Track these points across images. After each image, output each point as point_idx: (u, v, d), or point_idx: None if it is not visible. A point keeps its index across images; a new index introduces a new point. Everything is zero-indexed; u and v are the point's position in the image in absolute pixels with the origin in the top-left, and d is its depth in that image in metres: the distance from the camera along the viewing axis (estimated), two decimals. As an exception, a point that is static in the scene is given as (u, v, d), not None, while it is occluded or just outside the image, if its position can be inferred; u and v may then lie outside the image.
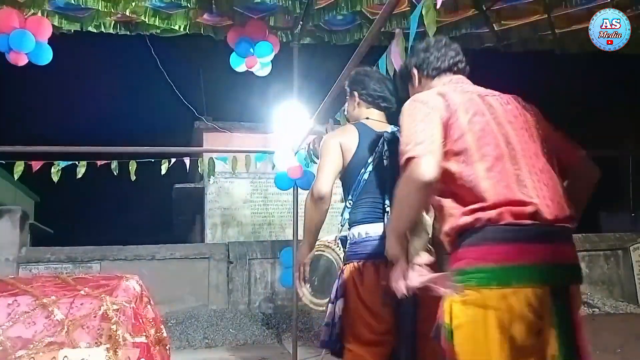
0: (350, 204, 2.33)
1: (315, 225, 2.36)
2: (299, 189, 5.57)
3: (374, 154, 2.30)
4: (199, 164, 6.52)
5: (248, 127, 10.24)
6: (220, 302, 7.62)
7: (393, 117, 2.38)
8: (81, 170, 5.83)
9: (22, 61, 4.33)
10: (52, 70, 5.61)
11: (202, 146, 9.95)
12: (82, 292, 2.70)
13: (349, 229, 2.33)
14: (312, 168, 5.65)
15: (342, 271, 2.28)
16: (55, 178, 5.79)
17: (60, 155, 5.92)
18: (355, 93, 2.57)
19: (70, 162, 5.81)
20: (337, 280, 2.28)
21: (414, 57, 2.01)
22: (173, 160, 6.16)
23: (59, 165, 5.77)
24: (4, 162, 6.14)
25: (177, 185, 11.34)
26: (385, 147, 2.29)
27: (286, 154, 5.58)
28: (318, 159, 5.33)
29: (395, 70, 2.84)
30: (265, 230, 10.48)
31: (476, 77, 1.94)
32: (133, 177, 5.96)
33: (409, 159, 1.54)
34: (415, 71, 1.99)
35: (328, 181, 2.31)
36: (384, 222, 2.19)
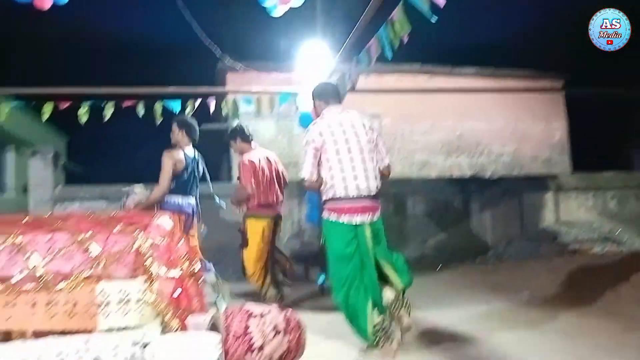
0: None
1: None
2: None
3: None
4: (223, 106, 6.51)
5: (272, 67, 10.07)
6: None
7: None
8: (108, 112, 5.89)
9: (48, 4, 4.29)
10: (75, 11, 5.56)
11: (225, 87, 9.88)
12: (116, 229, 2.79)
13: None
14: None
15: None
16: (83, 119, 5.88)
17: (87, 96, 5.98)
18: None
19: (96, 102, 5.87)
20: None
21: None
22: (197, 101, 6.15)
23: (86, 106, 5.84)
24: (33, 102, 6.22)
25: (201, 127, 11.39)
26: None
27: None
28: (342, 99, 5.33)
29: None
30: (291, 171, 10.54)
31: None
32: (159, 121, 6.00)
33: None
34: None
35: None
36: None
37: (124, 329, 2.50)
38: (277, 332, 2.59)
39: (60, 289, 2.51)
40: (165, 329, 2.55)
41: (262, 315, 2.64)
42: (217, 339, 2.28)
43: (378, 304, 3.14)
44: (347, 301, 3.15)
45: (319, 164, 3.34)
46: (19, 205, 9.01)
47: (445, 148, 11.27)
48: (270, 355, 2.54)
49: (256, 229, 4.87)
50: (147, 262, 2.65)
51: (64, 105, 5.82)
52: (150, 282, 2.59)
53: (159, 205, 4.53)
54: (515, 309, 4.32)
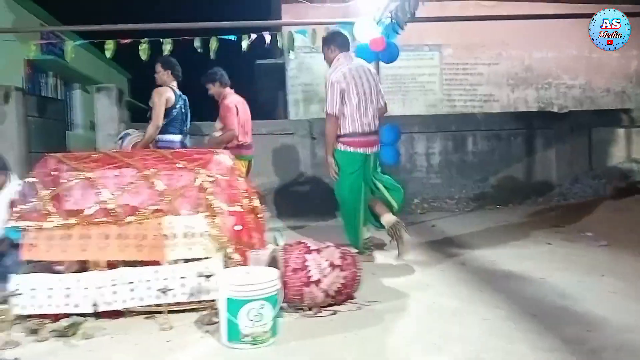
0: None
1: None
2: (380, 62, 5.35)
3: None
4: (278, 39, 6.39)
5: (327, -3, 9.71)
6: (305, 175, 7.92)
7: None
8: (167, 47, 5.95)
9: None
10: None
11: (280, 20, 9.67)
12: (179, 165, 2.88)
13: None
14: (396, 39, 5.35)
15: None
16: (143, 56, 5.97)
17: (147, 32, 6.04)
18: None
19: (155, 39, 5.93)
20: None
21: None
22: (253, 36, 6.07)
23: (146, 42, 5.91)
24: (95, 41, 6.36)
25: (258, 62, 11.31)
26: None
27: (367, 24, 5.29)
28: (401, 29, 5.02)
29: None
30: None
31: None
32: (213, 55, 6.01)
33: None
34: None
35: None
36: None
37: (189, 260, 2.63)
38: (334, 267, 2.64)
39: (130, 222, 2.65)
40: (227, 262, 2.67)
41: (319, 251, 2.69)
42: (277, 273, 2.35)
43: (369, 222, 4.07)
44: (348, 213, 4.02)
45: (342, 102, 3.90)
46: (88, 141, 9.45)
47: (511, 80, 10.68)
48: (327, 289, 2.61)
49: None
50: (209, 198, 2.74)
51: (125, 41, 5.92)
52: (213, 217, 2.68)
53: (154, 143, 4.72)
54: (578, 250, 4.19)
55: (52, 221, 2.62)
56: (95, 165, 2.90)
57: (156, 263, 2.61)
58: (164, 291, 2.54)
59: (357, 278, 2.75)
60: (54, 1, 11.42)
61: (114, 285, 2.52)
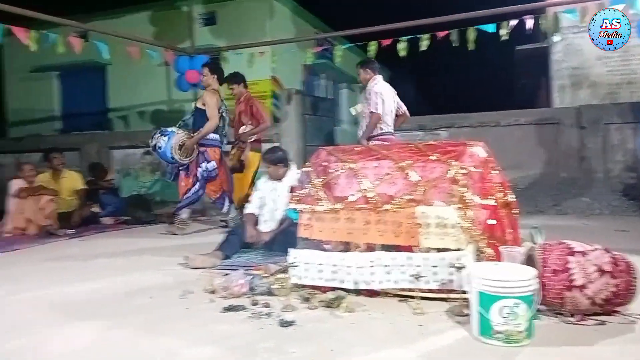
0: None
1: None
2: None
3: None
4: (540, 22, 5.91)
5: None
6: (570, 169, 7.16)
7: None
8: (423, 43, 6.13)
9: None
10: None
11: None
12: (432, 157, 2.96)
13: None
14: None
15: None
16: (402, 53, 6.28)
17: (405, 31, 6.32)
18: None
19: (412, 37, 6.16)
20: None
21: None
22: (513, 22, 5.75)
23: (404, 40, 6.21)
24: (360, 43, 6.94)
25: (518, 47, 10.64)
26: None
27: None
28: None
29: None
30: (625, 91, 8.95)
31: None
32: (472, 46, 5.90)
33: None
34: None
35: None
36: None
37: (441, 250, 2.69)
38: (603, 273, 2.35)
39: (386, 210, 2.85)
40: (479, 256, 2.63)
41: (584, 253, 2.43)
42: (534, 273, 2.22)
43: None
44: None
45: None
46: (353, 136, 10.39)
47: None
48: (593, 296, 2.34)
49: (254, 161, 5.59)
50: (461, 190, 2.74)
51: (386, 42, 6.32)
52: (465, 210, 2.68)
53: (199, 143, 5.22)
54: None
55: (323, 205, 2.99)
56: (357, 157, 3.20)
57: (409, 249, 2.75)
58: (416, 277, 2.66)
59: (631, 288, 2.39)
60: (327, 10, 12.84)
61: (371, 266, 2.75)
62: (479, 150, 2.99)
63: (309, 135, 8.58)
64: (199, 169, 5.25)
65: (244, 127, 5.60)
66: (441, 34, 6.01)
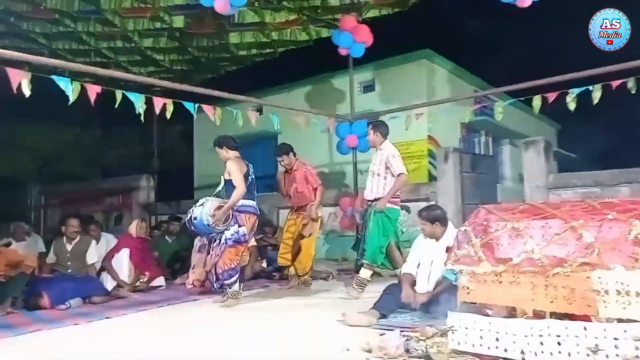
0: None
1: None
2: None
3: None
4: None
5: None
6: None
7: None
8: (596, 95, 5.64)
9: (528, 2, 4.58)
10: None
11: None
12: (609, 216, 2.67)
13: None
14: None
15: None
16: (571, 106, 5.85)
17: (573, 82, 5.91)
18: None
19: (583, 88, 5.73)
20: None
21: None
22: None
23: (573, 93, 5.80)
24: (522, 98, 6.66)
25: None
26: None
27: None
28: None
29: None
30: None
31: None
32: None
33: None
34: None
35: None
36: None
37: (623, 321, 2.36)
38: None
39: (556, 273, 2.61)
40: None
41: None
42: None
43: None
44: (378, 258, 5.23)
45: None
46: (516, 193, 9.78)
47: None
48: None
49: (316, 228, 6.12)
50: (648, 253, 2.41)
51: (552, 97, 5.97)
52: (653, 276, 2.34)
53: (233, 209, 4.91)
54: None
55: (483, 267, 2.86)
56: (521, 215, 3.02)
57: (585, 319, 2.46)
58: (594, 351, 2.35)
59: None
60: (486, 68, 12.65)
61: (540, 336, 2.51)
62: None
63: (467, 193, 8.32)
64: (227, 232, 4.89)
65: (312, 203, 5.92)
66: (615, 83, 5.49)
